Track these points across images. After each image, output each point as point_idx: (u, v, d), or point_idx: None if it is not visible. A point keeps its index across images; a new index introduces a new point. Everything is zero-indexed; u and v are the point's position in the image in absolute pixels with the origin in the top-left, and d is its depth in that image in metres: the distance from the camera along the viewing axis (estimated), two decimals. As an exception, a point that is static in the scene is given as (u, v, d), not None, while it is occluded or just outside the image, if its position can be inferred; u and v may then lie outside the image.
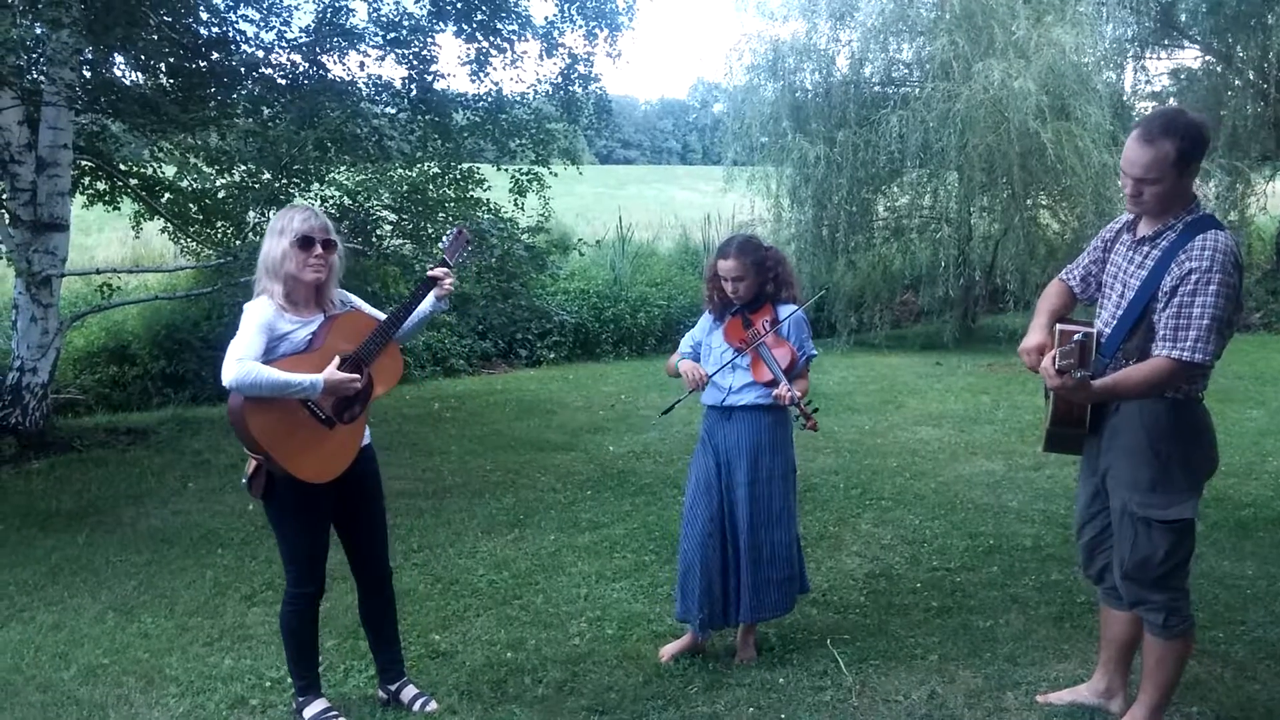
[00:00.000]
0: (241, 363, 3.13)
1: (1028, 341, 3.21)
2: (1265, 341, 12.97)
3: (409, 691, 3.72)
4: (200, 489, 6.95)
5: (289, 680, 3.87)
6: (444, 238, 3.80)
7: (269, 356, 3.25)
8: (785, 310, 3.96)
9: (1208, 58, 15.41)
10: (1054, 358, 2.84)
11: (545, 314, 11.84)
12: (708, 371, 3.94)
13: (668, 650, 4.07)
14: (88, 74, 8.12)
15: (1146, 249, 3.06)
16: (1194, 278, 2.88)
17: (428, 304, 3.62)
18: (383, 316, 3.55)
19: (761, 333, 3.90)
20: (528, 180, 9.78)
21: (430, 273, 3.61)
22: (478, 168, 9.81)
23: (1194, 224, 2.97)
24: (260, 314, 3.27)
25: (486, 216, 9.32)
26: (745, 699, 3.68)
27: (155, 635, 4.48)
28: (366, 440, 3.56)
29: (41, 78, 7.60)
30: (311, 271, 3.34)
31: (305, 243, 3.31)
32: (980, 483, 6.58)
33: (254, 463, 3.35)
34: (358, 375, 3.33)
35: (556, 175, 10.01)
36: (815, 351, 4.08)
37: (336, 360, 3.30)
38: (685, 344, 4.17)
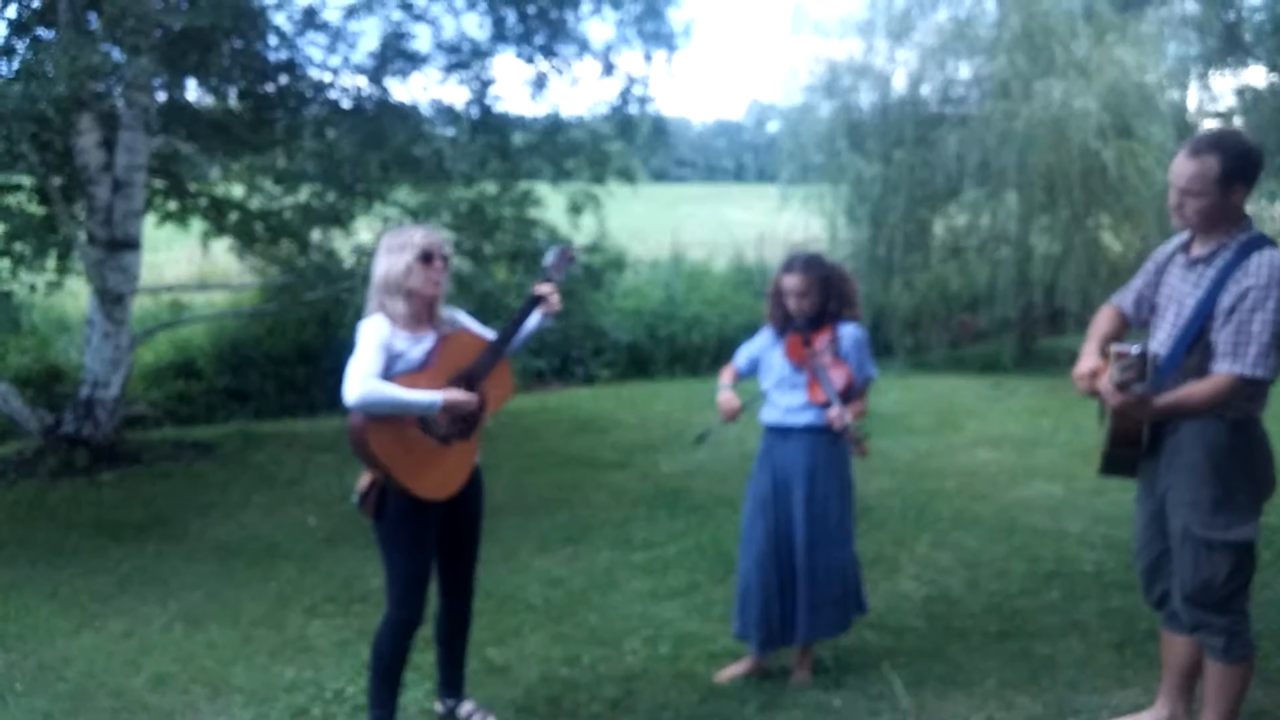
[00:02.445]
0: (365, 380, 3.16)
1: (1080, 367, 3.20)
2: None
3: (467, 706, 3.76)
4: (263, 502, 7.10)
5: (350, 693, 3.96)
6: (548, 254, 3.81)
7: (385, 375, 3.28)
8: (846, 330, 3.96)
9: (1273, 76, 15.13)
10: (1113, 374, 2.84)
11: (601, 332, 11.92)
12: (765, 389, 3.96)
13: (726, 673, 4.08)
14: (162, 98, 8.37)
15: (1201, 268, 3.05)
16: (1252, 295, 2.88)
17: (534, 321, 3.65)
18: (490, 334, 3.59)
19: (819, 352, 3.91)
20: (584, 199, 9.87)
21: (536, 290, 3.62)
22: (534, 188, 9.94)
23: (1249, 243, 2.98)
24: (378, 332, 3.31)
25: (543, 236, 9.44)
26: (800, 720, 3.68)
27: (221, 645, 4.60)
28: (477, 461, 3.61)
29: (120, 102, 7.85)
30: (432, 286, 3.39)
31: (428, 257, 3.37)
32: (1040, 506, 6.51)
33: (367, 481, 3.38)
34: (474, 394, 3.38)
35: (613, 195, 10.09)
36: (875, 373, 4.08)
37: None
38: (741, 357, 4.16)
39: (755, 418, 4.10)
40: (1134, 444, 3.11)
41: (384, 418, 3.23)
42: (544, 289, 3.62)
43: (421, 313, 3.42)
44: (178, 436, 9.46)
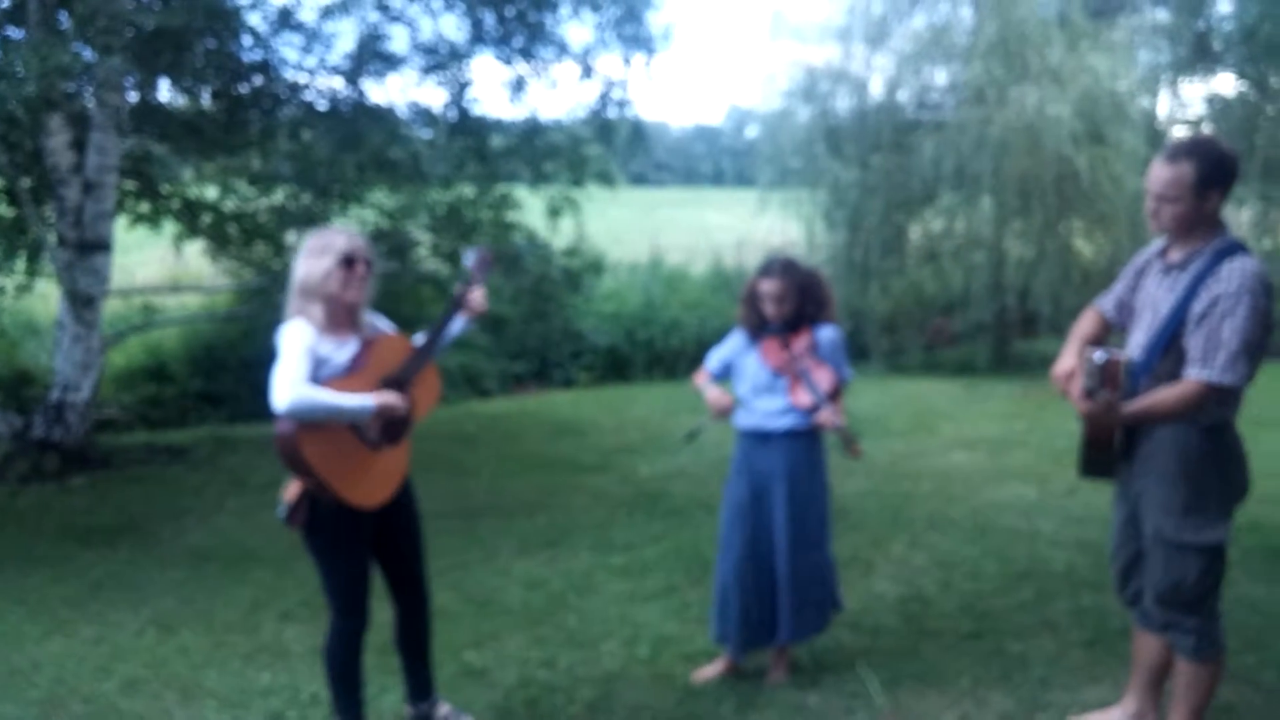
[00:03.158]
0: (295, 385, 3.06)
1: (1059, 367, 3.24)
2: (1304, 369, 12.81)
3: (443, 709, 3.74)
4: (237, 507, 7.05)
5: (325, 697, 3.93)
6: (467, 255, 3.72)
7: (312, 380, 3.19)
8: (824, 331, 3.97)
9: (1242, 85, 15.33)
10: (1081, 380, 2.87)
11: (579, 336, 11.93)
12: (741, 394, 3.97)
13: (703, 673, 4.09)
14: (134, 98, 8.31)
15: (1176, 274, 3.09)
16: (1223, 302, 2.91)
17: (458, 324, 3.59)
18: (412, 337, 3.54)
19: (802, 356, 3.91)
20: (563, 202, 9.88)
21: (458, 292, 3.56)
22: (513, 190, 9.94)
23: (1222, 250, 3.01)
24: (303, 337, 3.21)
25: (521, 239, 9.43)
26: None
27: (194, 650, 4.56)
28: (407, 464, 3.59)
29: (90, 102, 7.80)
30: (354, 292, 3.31)
31: (349, 262, 3.29)
32: (1013, 507, 6.55)
33: (294, 494, 3.29)
34: (403, 396, 3.33)
35: (592, 199, 10.10)
36: (851, 375, 4.09)
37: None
38: (713, 361, 4.14)
39: (729, 422, 4.11)
40: (1108, 447, 3.15)
41: (316, 424, 3.13)
42: (468, 291, 3.55)
43: (342, 317, 3.34)
44: (150, 440, 9.39)
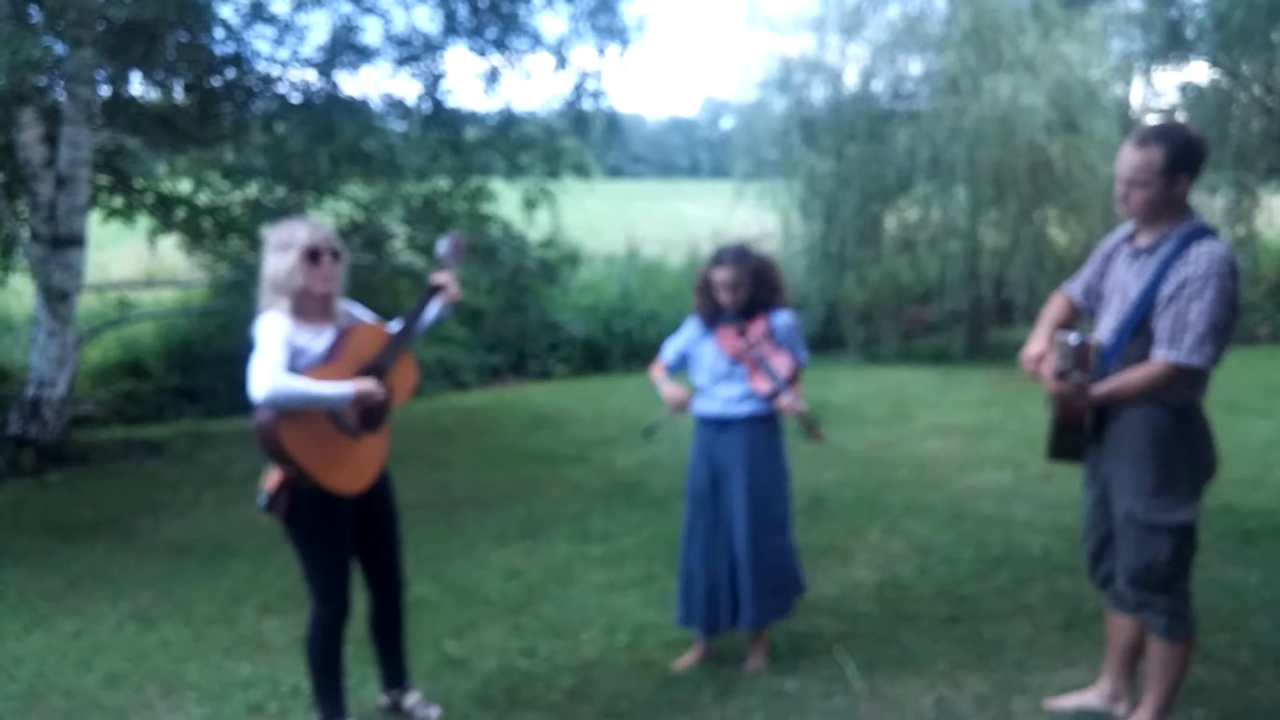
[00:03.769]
0: (273, 374, 3.09)
1: (1028, 350, 3.28)
2: (1273, 354, 12.96)
3: (412, 698, 3.76)
4: (215, 501, 7.03)
5: (306, 689, 3.94)
6: (440, 243, 3.72)
7: (289, 370, 3.22)
8: (779, 317, 3.99)
9: (1215, 73, 15.45)
10: (1053, 363, 2.91)
11: (556, 327, 11.92)
12: (699, 383, 4.00)
13: (682, 661, 4.12)
14: (106, 92, 8.24)
15: (1145, 258, 3.13)
16: (1190, 284, 2.95)
17: (434, 311, 3.60)
18: (388, 325, 3.55)
19: (759, 342, 3.94)
20: (538, 194, 9.87)
21: (433, 279, 3.57)
22: (488, 182, 9.92)
23: (1190, 234, 3.05)
24: (278, 328, 3.24)
25: (497, 231, 9.42)
26: (756, 705, 3.72)
27: (174, 643, 4.55)
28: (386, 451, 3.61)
29: (62, 96, 7.73)
30: (321, 284, 3.33)
31: (313, 255, 3.30)
32: (989, 494, 6.62)
33: (275, 483, 3.32)
34: (383, 385, 3.35)
35: (568, 191, 10.10)
36: (807, 358, 4.09)
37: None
38: (669, 352, 4.18)
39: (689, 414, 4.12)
40: (1078, 429, 3.19)
41: (294, 413, 3.16)
42: (441, 278, 3.56)
43: (315, 308, 3.36)
44: (127, 436, 9.34)
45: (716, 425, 4.01)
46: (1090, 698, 3.54)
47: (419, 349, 3.78)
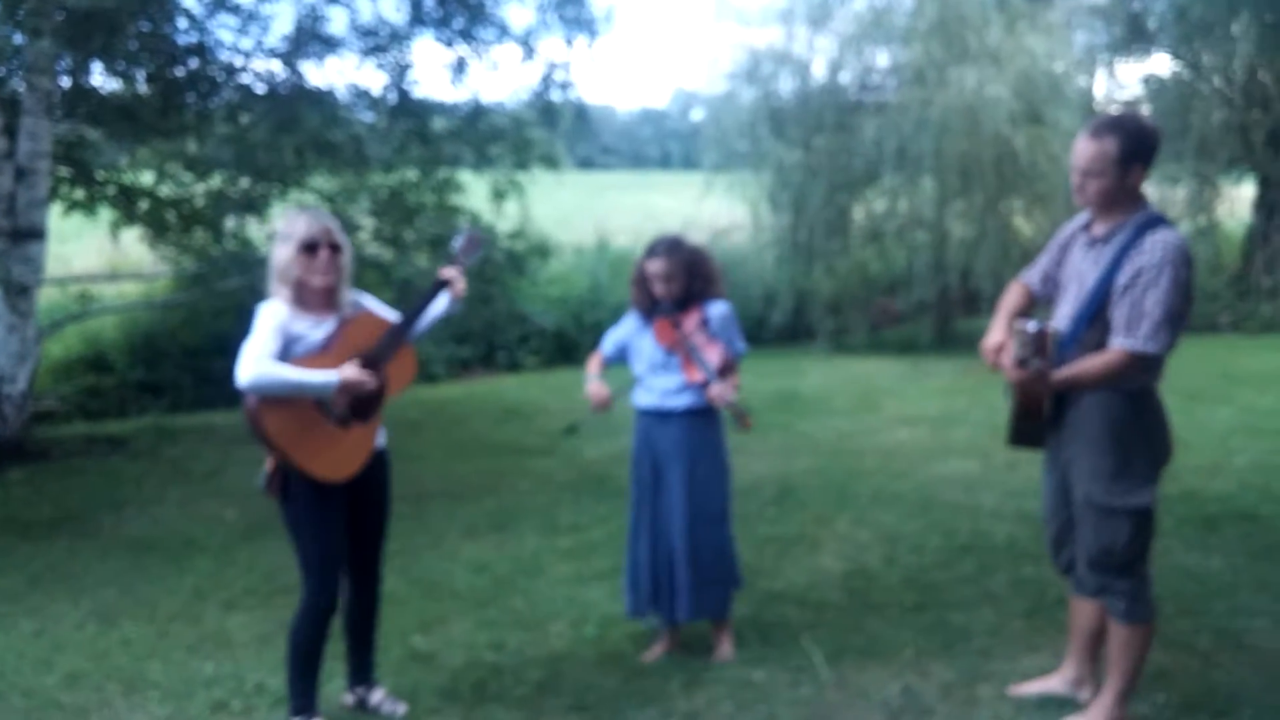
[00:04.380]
0: (258, 361, 3.14)
1: (988, 340, 3.31)
2: (1234, 343, 13.13)
3: (377, 695, 3.74)
4: (179, 496, 6.95)
5: (271, 685, 3.91)
6: (456, 238, 3.79)
7: (284, 358, 3.26)
8: (714, 308, 4.00)
9: (1176, 65, 15.62)
10: (1013, 351, 2.93)
11: (525, 318, 11.89)
12: (638, 374, 4.02)
13: (651, 653, 4.12)
14: (66, 82, 8.12)
15: (1100, 247, 3.17)
16: (1146, 273, 3.00)
17: (441, 306, 3.64)
18: (396, 317, 3.55)
19: (692, 333, 3.94)
20: (507, 186, 9.84)
21: (442, 273, 3.61)
22: (457, 174, 9.86)
23: (1145, 223, 3.09)
24: (274, 315, 3.29)
25: (465, 223, 9.37)
26: (723, 695, 3.73)
27: (136, 641, 4.50)
28: (382, 444, 3.59)
29: (21, 87, 7.60)
30: (320, 276, 3.35)
31: (310, 248, 3.33)
32: (956, 482, 6.66)
33: (271, 464, 3.37)
34: (373, 375, 3.35)
35: (537, 182, 10.07)
36: (744, 348, 4.10)
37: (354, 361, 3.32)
38: (608, 344, 4.20)
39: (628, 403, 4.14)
40: (1037, 416, 3.22)
41: (281, 399, 3.20)
42: (450, 273, 3.61)
43: (316, 299, 3.39)
44: (89, 432, 9.23)
45: (656, 417, 4.03)
46: (1054, 683, 3.58)
47: (427, 337, 3.80)
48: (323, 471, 3.31)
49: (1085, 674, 3.53)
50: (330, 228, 3.40)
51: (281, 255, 3.35)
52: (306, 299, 3.38)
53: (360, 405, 3.39)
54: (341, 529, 3.49)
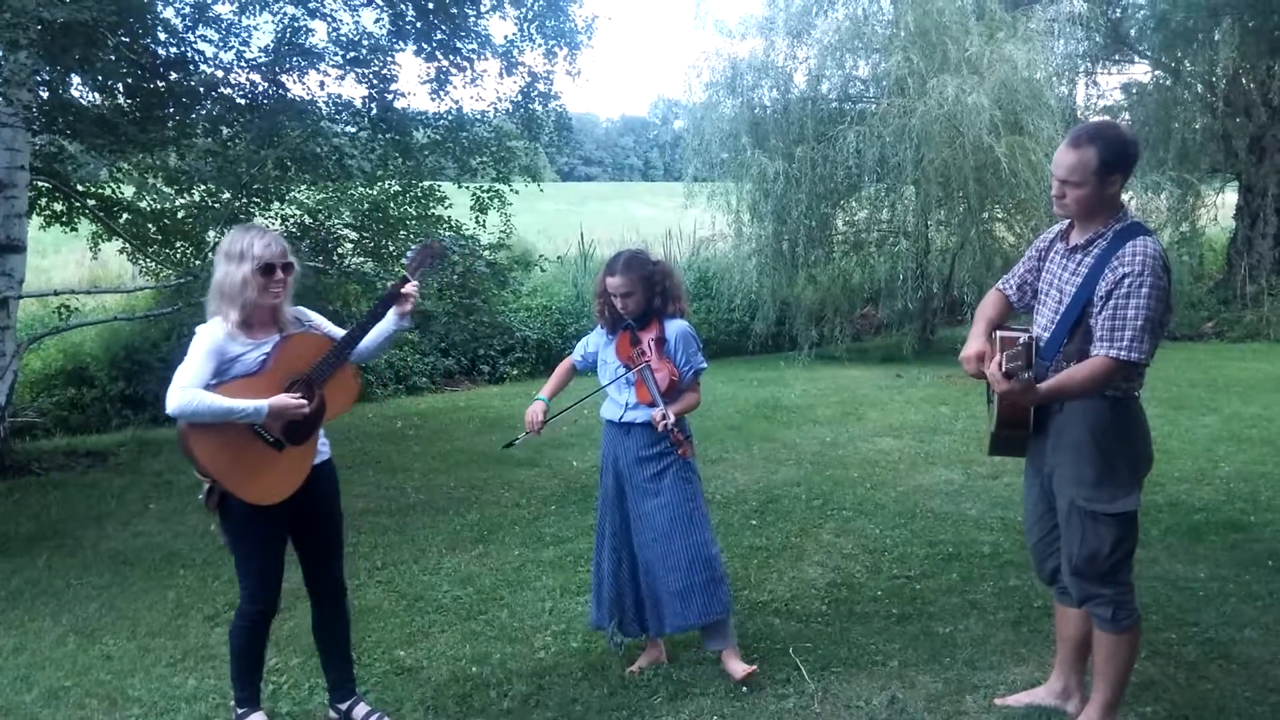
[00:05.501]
0: (184, 390, 3.14)
1: (967, 349, 3.32)
2: (1218, 350, 13.23)
3: (360, 709, 3.71)
4: (161, 510, 6.90)
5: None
6: (409, 250, 3.70)
7: (221, 379, 3.24)
8: (672, 326, 4.00)
9: (1157, 72, 15.74)
10: (1000, 362, 2.94)
11: (508, 330, 11.85)
12: (604, 387, 4.04)
13: (636, 665, 4.11)
14: (45, 95, 8.07)
15: (1080, 256, 3.19)
16: (1127, 282, 3.01)
17: (389, 322, 3.57)
18: (338, 336, 3.52)
19: (645, 354, 3.94)
20: (489, 197, 9.83)
21: (393, 287, 3.55)
22: (439, 185, 9.85)
23: (1123, 232, 3.12)
24: (210, 338, 3.26)
25: (448, 234, 9.34)
26: (709, 708, 3.72)
27: (118, 657, 4.46)
28: (326, 456, 3.57)
29: (-2, 99, 7.54)
30: (272, 297, 3.33)
31: (268, 270, 3.29)
32: (940, 492, 6.68)
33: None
34: (305, 400, 3.31)
35: (518, 193, 10.07)
36: (704, 365, 4.09)
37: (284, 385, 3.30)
38: (579, 351, 4.24)
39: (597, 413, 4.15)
40: (1021, 426, 3.23)
41: (211, 425, 3.20)
42: (409, 289, 3.54)
43: (260, 317, 3.37)
44: (70, 445, 9.14)
45: (619, 429, 4.04)
46: (1041, 695, 3.59)
47: (381, 357, 3.76)
48: (256, 496, 3.32)
49: (1072, 685, 3.53)
50: (286, 248, 3.37)
51: (234, 275, 3.28)
52: (253, 319, 3.35)
53: (295, 428, 3.36)
54: (281, 540, 3.51)
